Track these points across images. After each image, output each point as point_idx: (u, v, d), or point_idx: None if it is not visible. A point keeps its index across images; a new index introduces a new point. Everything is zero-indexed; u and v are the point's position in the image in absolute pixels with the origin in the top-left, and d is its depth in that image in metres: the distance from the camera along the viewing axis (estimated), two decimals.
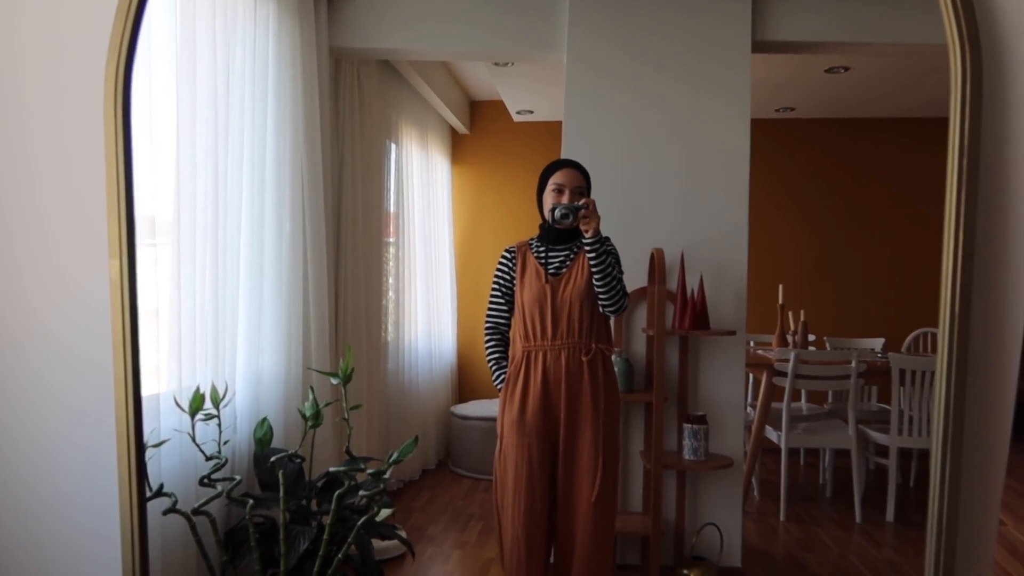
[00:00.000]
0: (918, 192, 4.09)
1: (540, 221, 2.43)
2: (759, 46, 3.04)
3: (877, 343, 4.09)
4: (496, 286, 2.43)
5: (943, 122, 1.67)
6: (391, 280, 4.06)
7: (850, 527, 3.45)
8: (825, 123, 4.62)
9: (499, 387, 2.38)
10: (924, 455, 3.54)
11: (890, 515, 3.43)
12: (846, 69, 3.57)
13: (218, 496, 2.12)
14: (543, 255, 2.37)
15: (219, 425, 2.15)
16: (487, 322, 2.44)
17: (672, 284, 2.99)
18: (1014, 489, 3.58)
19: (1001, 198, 1.68)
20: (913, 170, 4.14)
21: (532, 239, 2.43)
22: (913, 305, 3.95)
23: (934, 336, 1.72)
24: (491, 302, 2.44)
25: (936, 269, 1.69)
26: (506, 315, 2.43)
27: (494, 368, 2.41)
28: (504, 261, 2.43)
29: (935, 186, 1.73)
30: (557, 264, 2.35)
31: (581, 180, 2.34)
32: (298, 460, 2.37)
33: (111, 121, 1.69)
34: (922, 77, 3.47)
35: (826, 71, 3.62)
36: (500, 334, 2.43)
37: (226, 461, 2.19)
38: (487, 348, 2.43)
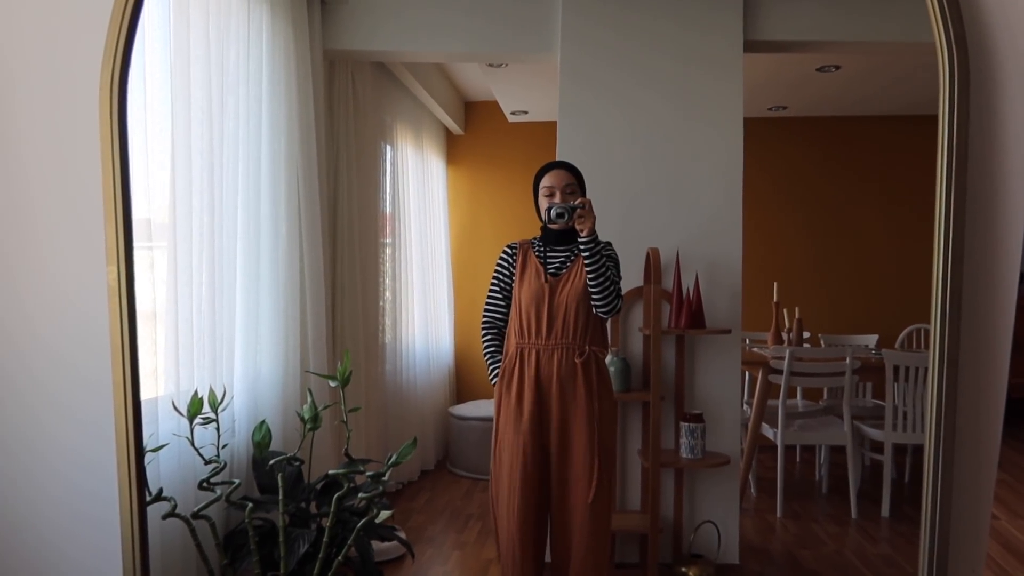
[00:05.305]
0: (911, 190, 4.10)
1: (537, 221, 2.44)
2: (751, 45, 3.05)
3: (871, 340, 4.10)
4: (495, 281, 2.43)
5: (935, 119, 1.68)
6: (388, 281, 4.06)
7: (846, 523, 3.46)
8: (818, 121, 4.63)
9: (493, 382, 2.39)
10: (918, 450, 3.55)
11: (885, 510, 3.44)
12: (837, 68, 3.59)
13: (217, 500, 2.12)
14: (543, 255, 2.38)
15: (217, 429, 2.15)
16: (484, 317, 2.45)
17: (667, 283, 3.01)
18: (1007, 483, 3.60)
19: (989, 196, 1.70)
20: (906, 168, 4.15)
21: (535, 238, 2.43)
22: (906, 301, 3.96)
23: (927, 332, 1.73)
24: (489, 297, 2.44)
25: (929, 265, 1.71)
26: (504, 310, 2.42)
27: (489, 362, 2.42)
28: (505, 256, 2.43)
29: (928, 184, 1.74)
30: (557, 265, 2.36)
31: (570, 179, 2.34)
32: (297, 463, 2.37)
33: (107, 127, 1.69)
34: (913, 74, 3.48)
35: (817, 70, 3.64)
36: (497, 329, 2.44)
37: (225, 465, 2.19)
38: (484, 342, 2.44)
